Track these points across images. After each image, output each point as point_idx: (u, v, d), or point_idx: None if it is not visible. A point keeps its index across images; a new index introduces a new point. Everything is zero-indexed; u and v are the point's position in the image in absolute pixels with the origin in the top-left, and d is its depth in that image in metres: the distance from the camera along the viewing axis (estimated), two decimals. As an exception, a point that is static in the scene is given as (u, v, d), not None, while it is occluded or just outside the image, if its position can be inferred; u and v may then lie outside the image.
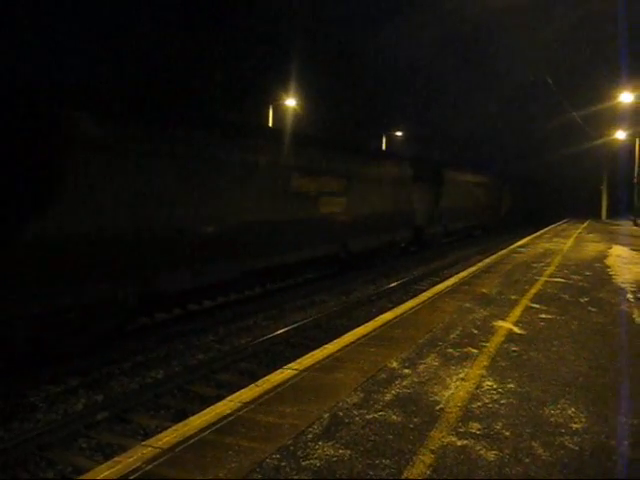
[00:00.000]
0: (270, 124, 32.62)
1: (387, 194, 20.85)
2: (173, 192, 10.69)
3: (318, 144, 18.04)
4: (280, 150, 14.47)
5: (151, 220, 10.24)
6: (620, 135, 41.53)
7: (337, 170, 17.03)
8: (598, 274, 13.97)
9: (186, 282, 11.20)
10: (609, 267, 15.36)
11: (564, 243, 23.35)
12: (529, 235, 28.42)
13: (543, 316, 9.04)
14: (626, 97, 31.47)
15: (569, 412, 5.10)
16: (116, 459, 4.10)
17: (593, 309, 9.70)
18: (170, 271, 10.72)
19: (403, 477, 3.89)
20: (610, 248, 21.12)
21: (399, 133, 50.61)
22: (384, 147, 47.32)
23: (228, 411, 4.98)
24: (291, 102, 34.92)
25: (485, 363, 6.50)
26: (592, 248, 21.19)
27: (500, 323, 8.51)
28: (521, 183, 48.91)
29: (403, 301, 11.34)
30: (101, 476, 3.85)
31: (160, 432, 4.91)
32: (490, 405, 5.22)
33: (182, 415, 7.26)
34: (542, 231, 31.73)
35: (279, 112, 34.49)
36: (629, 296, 10.97)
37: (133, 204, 9.88)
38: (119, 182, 9.62)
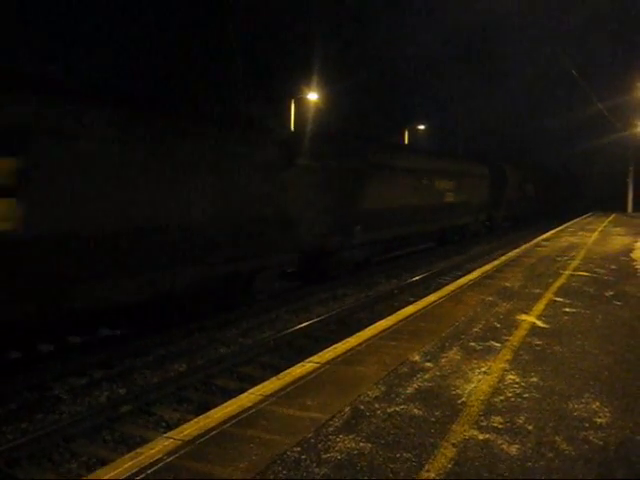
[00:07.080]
0: (292, 118, 32.59)
1: (473, 188, 28.60)
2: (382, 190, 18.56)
3: (438, 154, 28.31)
4: (418, 160, 22.75)
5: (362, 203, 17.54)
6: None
7: (449, 172, 24.94)
8: (624, 267, 13.78)
9: (388, 234, 19.35)
10: (635, 260, 15.13)
11: (589, 236, 23.05)
12: (553, 229, 28.10)
13: (567, 310, 8.94)
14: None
15: (593, 406, 5.04)
16: (138, 450, 4.13)
17: (618, 303, 9.56)
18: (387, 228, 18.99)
19: (424, 469, 3.88)
20: (636, 242, 20.78)
21: (421, 127, 50.28)
22: (406, 141, 47.04)
23: (249, 404, 5.00)
24: (313, 96, 34.81)
25: (508, 357, 6.45)
26: (618, 241, 20.90)
27: (523, 317, 8.44)
28: (546, 175, 48.45)
29: (425, 295, 11.27)
30: (125, 466, 3.88)
31: (182, 424, 4.94)
32: (513, 399, 5.17)
33: (204, 408, 7.27)
34: (566, 224, 31.34)
35: (301, 106, 34.44)
36: (656, 290, 10.80)
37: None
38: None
